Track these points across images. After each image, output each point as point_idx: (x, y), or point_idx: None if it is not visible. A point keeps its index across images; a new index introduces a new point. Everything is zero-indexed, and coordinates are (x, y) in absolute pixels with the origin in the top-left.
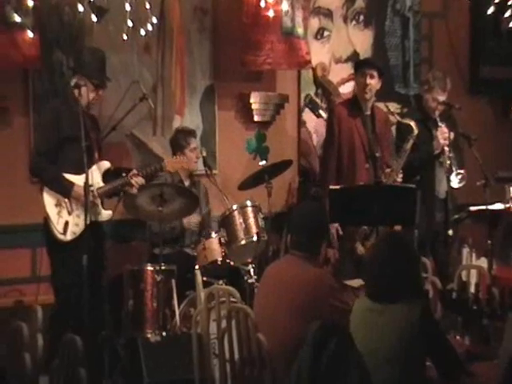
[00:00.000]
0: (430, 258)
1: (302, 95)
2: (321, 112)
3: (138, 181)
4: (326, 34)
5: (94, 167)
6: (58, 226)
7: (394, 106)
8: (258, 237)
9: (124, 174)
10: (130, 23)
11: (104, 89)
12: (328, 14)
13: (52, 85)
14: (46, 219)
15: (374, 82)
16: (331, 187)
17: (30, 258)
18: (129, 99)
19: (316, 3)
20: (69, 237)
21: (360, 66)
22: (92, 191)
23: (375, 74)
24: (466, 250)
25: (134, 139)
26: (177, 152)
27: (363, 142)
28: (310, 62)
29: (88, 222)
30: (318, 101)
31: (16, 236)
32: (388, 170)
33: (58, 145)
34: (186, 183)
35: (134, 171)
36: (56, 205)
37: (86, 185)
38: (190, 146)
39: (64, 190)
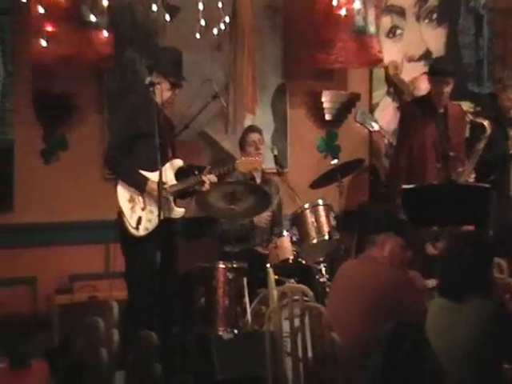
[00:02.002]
0: (505, 259)
1: (374, 94)
2: (373, 124)
3: (211, 178)
4: (398, 32)
5: (167, 165)
6: (131, 221)
7: (467, 105)
8: (329, 235)
9: (196, 172)
10: (202, 22)
11: (180, 88)
12: (400, 12)
13: (124, 83)
14: (120, 214)
15: (449, 89)
16: (404, 186)
17: (104, 253)
18: (201, 98)
19: (388, 1)
20: (142, 232)
21: (437, 73)
22: (165, 188)
23: (451, 80)
24: None
25: (205, 137)
26: (242, 149)
27: (435, 140)
28: (382, 60)
29: (161, 217)
30: (368, 114)
31: (90, 232)
32: (460, 170)
33: (133, 140)
34: (258, 181)
35: (208, 168)
36: (129, 200)
37: (160, 182)
38: (248, 141)
39: (138, 184)
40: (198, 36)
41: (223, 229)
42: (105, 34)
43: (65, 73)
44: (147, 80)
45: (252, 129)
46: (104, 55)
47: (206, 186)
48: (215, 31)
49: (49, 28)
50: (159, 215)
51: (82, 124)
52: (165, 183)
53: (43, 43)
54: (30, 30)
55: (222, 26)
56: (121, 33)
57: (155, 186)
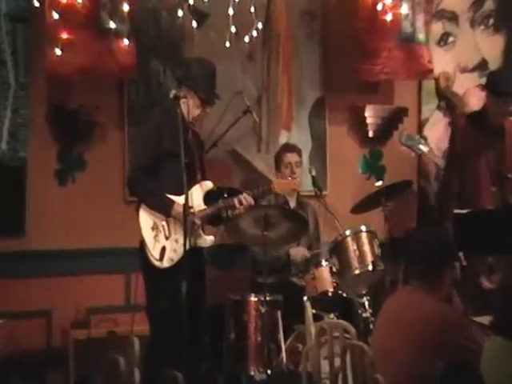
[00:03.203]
0: None
1: (423, 108)
2: (421, 147)
3: (247, 199)
4: (450, 39)
5: (196, 187)
6: (154, 252)
7: None
8: (373, 266)
9: (226, 195)
10: (233, 29)
11: (211, 106)
12: (453, 17)
13: (148, 96)
14: (142, 243)
15: None
16: (456, 211)
17: (124, 284)
18: (231, 112)
19: (439, 6)
20: (166, 263)
21: (502, 94)
22: (193, 213)
23: None
24: None
25: (236, 156)
26: (277, 169)
27: (490, 161)
28: (432, 71)
29: (187, 247)
30: (415, 136)
31: (109, 260)
32: None
33: (158, 160)
34: (292, 205)
35: (245, 194)
36: (153, 228)
37: (186, 206)
38: (284, 161)
39: (163, 208)
40: (227, 44)
41: (256, 259)
42: (126, 42)
43: (82, 85)
44: (172, 93)
45: (289, 148)
46: (125, 66)
47: (240, 210)
48: (247, 39)
49: (65, 35)
50: (184, 244)
51: (101, 141)
52: (191, 207)
53: (58, 52)
54: (44, 38)
55: (255, 34)
56: (144, 41)
57: (182, 210)
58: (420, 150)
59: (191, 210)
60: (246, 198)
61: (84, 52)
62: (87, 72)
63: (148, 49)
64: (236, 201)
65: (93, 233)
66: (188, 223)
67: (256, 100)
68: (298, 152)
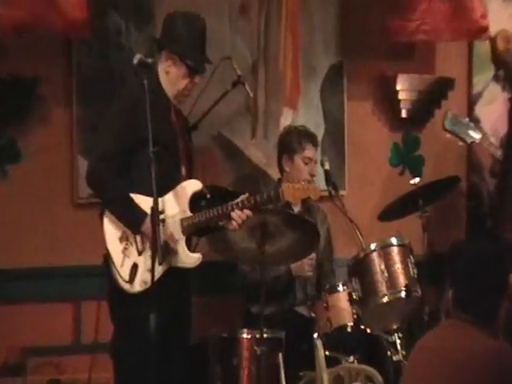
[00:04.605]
0: None
1: (475, 79)
2: (472, 134)
3: (243, 215)
4: None
5: (180, 187)
6: (121, 270)
7: None
8: (407, 291)
9: (208, 196)
10: None
11: (202, 74)
12: None
13: (105, 62)
14: (107, 259)
15: None
16: None
17: (73, 316)
18: (217, 84)
19: None
20: (137, 287)
21: None
22: (163, 221)
23: None
24: None
25: (223, 142)
26: (282, 156)
27: None
28: (486, 28)
29: (162, 265)
30: (463, 119)
31: (52, 284)
32: None
33: (131, 149)
34: (297, 209)
35: (243, 197)
36: (121, 239)
37: (155, 210)
38: (304, 153)
39: (131, 221)
40: None
41: (249, 281)
42: None
43: (17, 48)
44: (136, 58)
45: (308, 137)
46: (73, 21)
47: (235, 224)
48: None
49: None
50: (153, 263)
51: (40, 124)
52: (176, 216)
53: None
54: None
55: None
56: None
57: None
58: (470, 137)
59: (174, 219)
60: (246, 213)
61: (18, 4)
62: (22, 30)
63: None
64: (235, 216)
65: (30, 246)
66: (159, 234)
67: (250, 67)
68: (317, 143)
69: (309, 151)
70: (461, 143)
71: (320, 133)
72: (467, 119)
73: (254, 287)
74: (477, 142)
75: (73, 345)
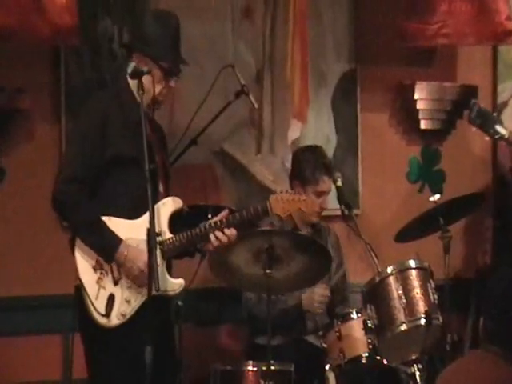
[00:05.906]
0: None
1: (500, 87)
2: (498, 129)
3: (223, 238)
4: None
5: (158, 206)
6: (96, 303)
7: None
8: (427, 319)
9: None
10: None
11: (176, 77)
12: None
13: (96, 72)
14: (79, 290)
15: None
16: None
17: (62, 349)
18: (218, 94)
19: None
20: (115, 320)
21: None
22: (160, 243)
23: None
24: None
25: (225, 159)
26: (293, 181)
27: None
28: None
29: (147, 295)
30: (490, 113)
31: (38, 314)
32: None
33: (103, 168)
34: (305, 231)
35: (222, 215)
36: (95, 268)
37: (152, 232)
38: (317, 187)
39: (104, 248)
40: None
41: (255, 314)
42: None
43: (1, 56)
44: (130, 67)
45: (327, 167)
46: (62, 28)
47: (215, 244)
48: None
49: None
50: (149, 288)
51: (25, 139)
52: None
53: None
54: None
55: None
56: None
57: (134, 254)
58: (497, 132)
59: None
60: (228, 233)
61: (3, 9)
62: (6, 37)
63: (96, 4)
64: (213, 238)
65: (14, 274)
66: (154, 261)
67: (255, 76)
68: (332, 173)
69: (324, 185)
70: (487, 138)
71: (331, 146)
72: (495, 114)
73: (261, 321)
74: (505, 137)
75: (63, 381)
